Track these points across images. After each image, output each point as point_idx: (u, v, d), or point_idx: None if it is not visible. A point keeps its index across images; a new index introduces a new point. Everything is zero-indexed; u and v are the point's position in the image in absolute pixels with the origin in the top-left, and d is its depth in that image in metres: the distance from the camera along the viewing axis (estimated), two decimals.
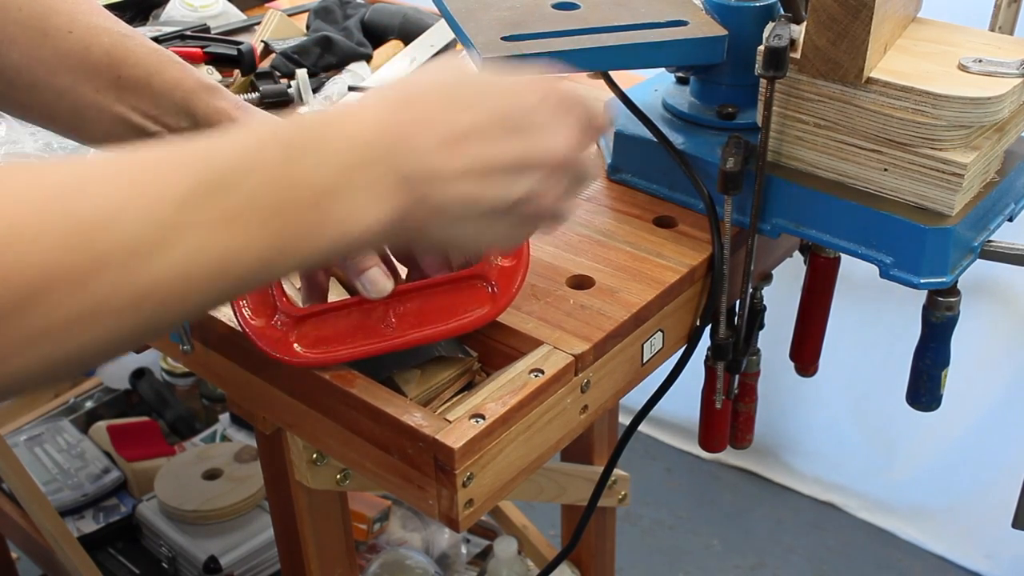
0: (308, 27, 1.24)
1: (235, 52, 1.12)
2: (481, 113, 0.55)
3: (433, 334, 0.70)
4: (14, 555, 1.79)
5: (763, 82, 0.78)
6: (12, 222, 0.43)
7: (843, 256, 0.89)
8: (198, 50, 1.13)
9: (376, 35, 1.20)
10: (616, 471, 1.27)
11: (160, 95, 0.74)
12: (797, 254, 1.00)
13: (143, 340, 0.50)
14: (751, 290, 0.88)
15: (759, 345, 0.94)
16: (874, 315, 1.97)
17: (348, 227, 0.52)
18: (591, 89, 0.65)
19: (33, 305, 0.43)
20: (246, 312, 0.71)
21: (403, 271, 0.77)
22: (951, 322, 0.83)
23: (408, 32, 1.18)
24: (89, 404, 1.99)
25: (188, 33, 1.20)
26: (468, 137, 0.54)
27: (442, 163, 0.54)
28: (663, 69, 0.94)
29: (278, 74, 1.11)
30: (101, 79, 0.73)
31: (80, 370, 0.46)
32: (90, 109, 0.74)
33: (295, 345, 0.70)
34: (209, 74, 1.11)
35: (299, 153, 0.51)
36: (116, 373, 2.02)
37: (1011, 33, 0.85)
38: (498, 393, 0.67)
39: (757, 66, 0.75)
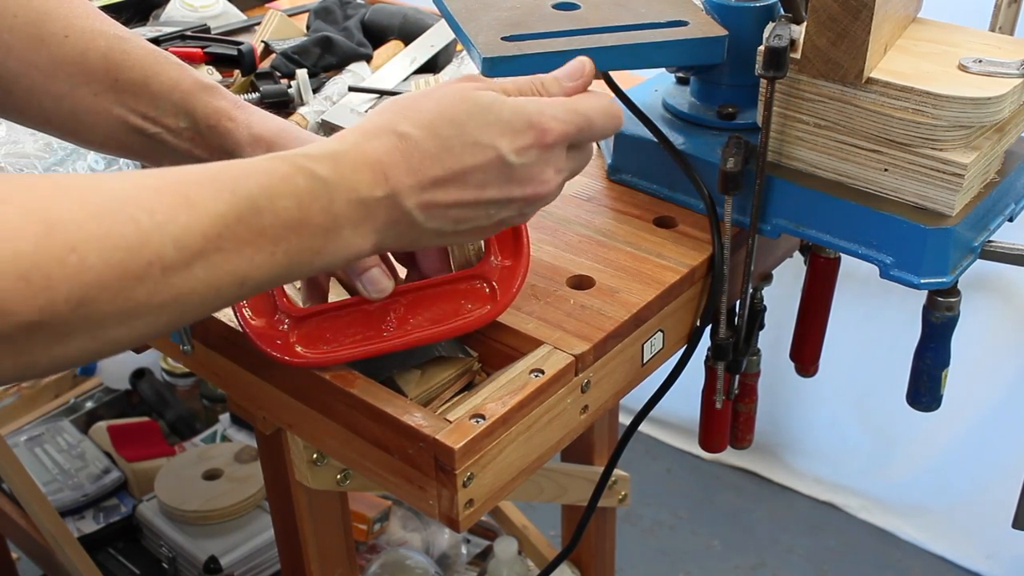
0: (308, 27, 1.24)
1: (235, 52, 1.12)
2: (475, 155, 0.62)
3: (433, 334, 0.70)
4: (14, 555, 1.79)
5: (763, 82, 0.78)
6: (64, 239, 0.47)
7: (844, 255, 0.89)
8: (198, 50, 1.13)
9: (376, 35, 1.20)
10: (616, 471, 1.27)
11: (158, 96, 0.74)
12: (797, 254, 1.00)
13: (160, 337, 0.56)
14: (751, 290, 0.88)
15: (759, 345, 0.94)
16: (874, 315, 1.97)
17: (345, 252, 0.60)
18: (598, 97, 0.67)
19: (76, 310, 0.47)
20: (246, 312, 0.71)
21: (402, 271, 0.77)
22: (951, 322, 0.83)
23: (408, 32, 1.18)
24: (89, 404, 1.99)
25: (188, 33, 1.20)
26: (460, 175, 0.62)
27: (433, 198, 0.61)
28: (663, 69, 0.94)
29: (278, 74, 1.11)
30: (99, 82, 0.73)
31: (99, 359, 0.55)
32: (88, 113, 0.74)
33: (296, 345, 0.70)
34: (209, 74, 1.11)
35: (317, 189, 0.57)
36: (116, 373, 2.01)
37: (1011, 33, 0.85)
38: (498, 393, 0.67)
39: (757, 66, 0.75)
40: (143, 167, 0.98)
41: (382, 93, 1.07)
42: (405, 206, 0.60)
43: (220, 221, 0.52)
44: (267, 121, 0.75)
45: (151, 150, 0.75)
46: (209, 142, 0.75)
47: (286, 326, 0.70)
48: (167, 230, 0.50)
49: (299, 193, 0.56)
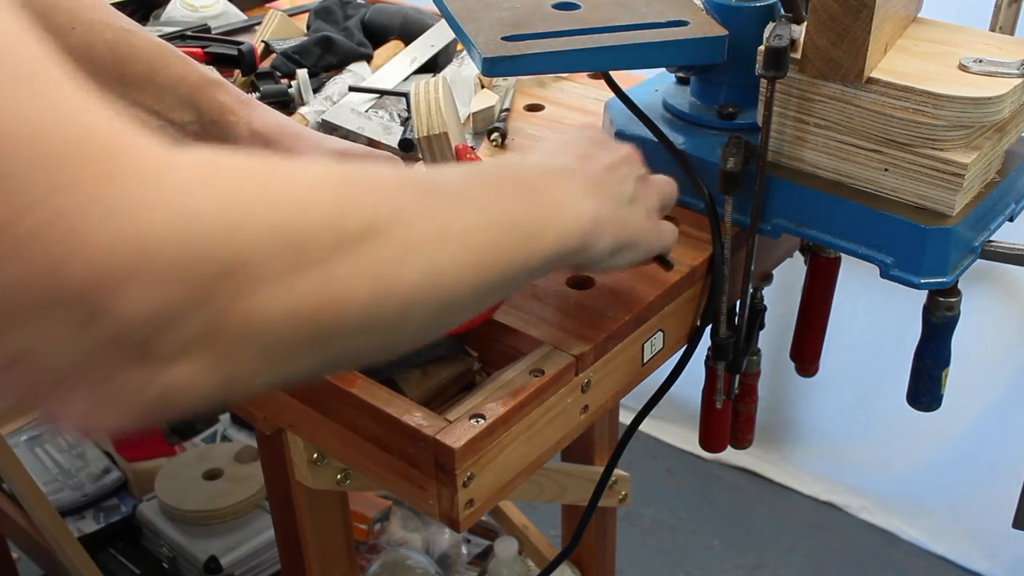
0: (308, 27, 1.24)
1: (236, 52, 1.12)
2: (579, 144, 0.70)
3: None
4: (14, 555, 1.79)
5: (763, 82, 0.78)
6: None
7: (844, 255, 0.89)
8: (199, 50, 1.13)
9: (376, 35, 1.20)
10: (617, 471, 1.27)
11: (164, 90, 0.74)
12: (797, 254, 1.00)
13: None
14: (751, 290, 0.88)
15: (759, 345, 0.94)
16: (875, 315, 1.97)
17: (565, 218, 0.60)
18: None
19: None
20: None
21: None
22: (951, 322, 0.83)
23: (408, 32, 1.18)
24: None
25: (189, 33, 1.20)
26: (589, 154, 0.68)
27: (594, 169, 0.67)
28: (663, 69, 0.94)
29: (278, 74, 1.11)
30: (105, 75, 0.73)
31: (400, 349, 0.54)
32: None
33: None
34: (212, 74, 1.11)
35: (515, 162, 0.67)
36: None
37: (1011, 33, 0.84)
38: (498, 393, 0.67)
39: (758, 66, 0.75)
40: None
41: (382, 93, 1.07)
42: (587, 174, 0.65)
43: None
44: (267, 117, 0.75)
45: None
46: (212, 136, 0.76)
47: None
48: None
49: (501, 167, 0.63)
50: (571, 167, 0.65)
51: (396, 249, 0.45)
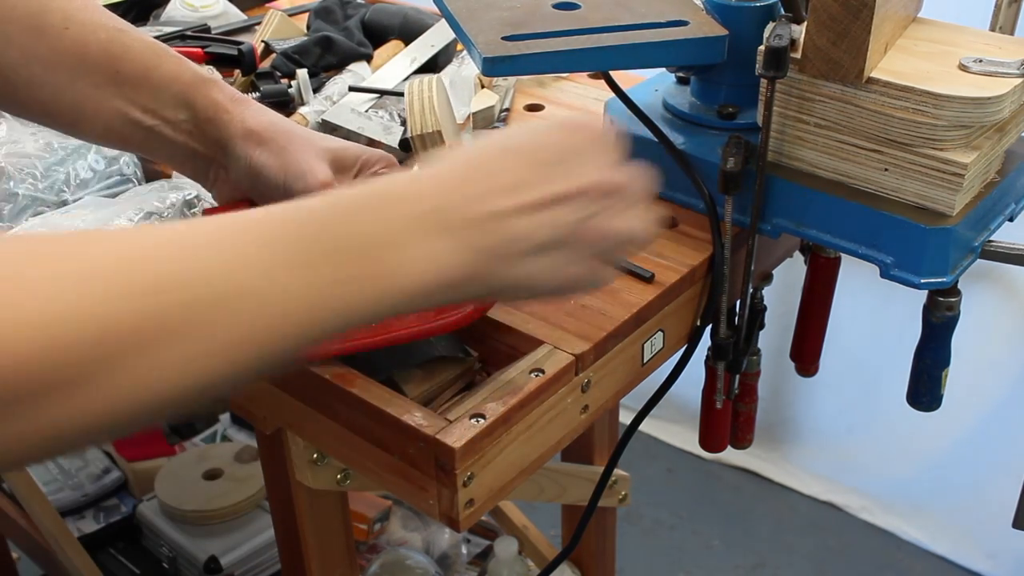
0: (308, 27, 1.23)
1: (235, 52, 1.12)
2: (522, 159, 0.58)
3: (418, 331, 0.70)
4: (14, 555, 1.79)
5: (763, 82, 0.78)
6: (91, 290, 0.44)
7: (844, 255, 0.89)
8: (199, 50, 1.13)
9: (376, 35, 1.19)
10: (616, 471, 1.27)
11: (158, 89, 0.74)
12: (797, 254, 1.00)
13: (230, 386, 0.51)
14: (751, 290, 0.88)
15: (759, 345, 0.94)
16: (876, 314, 1.97)
17: (401, 279, 0.53)
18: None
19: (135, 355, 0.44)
20: None
21: None
22: (952, 322, 0.83)
23: (409, 32, 1.18)
24: None
25: (188, 33, 1.20)
26: (516, 183, 0.57)
27: (494, 207, 0.56)
28: (663, 69, 0.94)
29: (278, 74, 1.11)
30: (99, 75, 0.73)
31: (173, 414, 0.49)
32: (89, 105, 0.74)
33: None
34: (210, 74, 1.11)
35: (356, 210, 0.53)
36: None
37: (1011, 33, 0.84)
38: (499, 393, 0.67)
39: (758, 66, 0.75)
40: (141, 161, 0.99)
41: (382, 93, 1.07)
42: (463, 217, 0.55)
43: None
44: (260, 115, 0.75)
45: (149, 142, 0.76)
46: (206, 135, 0.76)
47: None
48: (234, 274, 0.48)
49: (352, 204, 0.53)
50: (445, 209, 0.55)
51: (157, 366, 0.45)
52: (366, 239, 0.52)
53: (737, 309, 0.87)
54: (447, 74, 1.12)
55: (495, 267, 0.57)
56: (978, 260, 0.80)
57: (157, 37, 1.15)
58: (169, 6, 1.28)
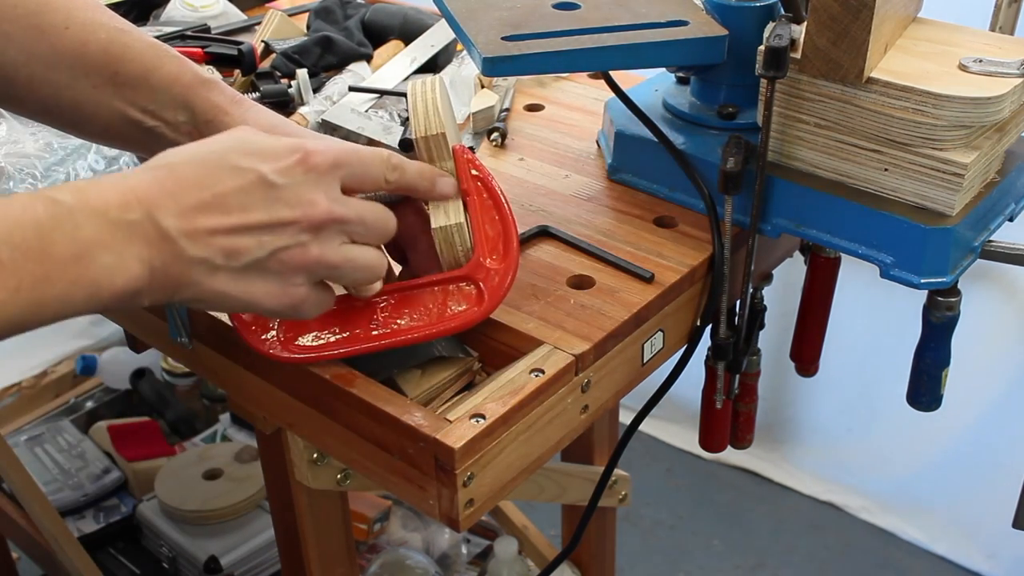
0: (308, 27, 1.24)
1: (235, 52, 1.12)
2: (246, 179, 0.60)
3: (419, 335, 0.70)
4: (14, 555, 1.79)
5: (763, 82, 0.78)
6: None
7: (844, 255, 0.89)
8: (199, 50, 1.13)
9: (376, 35, 1.20)
10: (616, 471, 1.27)
11: (158, 90, 0.74)
12: (797, 254, 1.00)
13: None
14: (751, 290, 0.88)
15: (759, 345, 0.94)
16: (875, 314, 1.97)
17: (110, 280, 0.56)
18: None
19: None
20: None
21: (397, 268, 0.76)
22: (951, 322, 0.83)
23: (408, 32, 1.18)
24: (90, 404, 1.99)
25: (188, 33, 1.19)
26: (221, 198, 0.59)
27: (201, 224, 0.58)
28: (664, 69, 0.94)
29: (278, 74, 1.11)
30: (99, 75, 0.73)
31: None
32: (88, 104, 0.74)
33: (282, 341, 0.70)
34: (210, 74, 1.11)
35: (59, 214, 0.55)
36: (117, 373, 2.02)
37: (1011, 33, 0.85)
38: (498, 393, 0.67)
39: (758, 66, 0.75)
40: (141, 160, 0.99)
41: (382, 93, 1.07)
42: (164, 228, 0.57)
43: None
44: (260, 117, 0.75)
45: (149, 143, 0.76)
46: (206, 136, 0.76)
47: (274, 323, 0.70)
48: None
49: (39, 221, 0.54)
50: (147, 220, 0.57)
51: None
52: (68, 247, 0.54)
53: (737, 309, 0.87)
54: (447, 74, 1.12)
55: (186, 280, 0.59)
56: (978, 260, 0.80)
57: (157, 37, 1.15)
58: (169, 6, 1.28)
